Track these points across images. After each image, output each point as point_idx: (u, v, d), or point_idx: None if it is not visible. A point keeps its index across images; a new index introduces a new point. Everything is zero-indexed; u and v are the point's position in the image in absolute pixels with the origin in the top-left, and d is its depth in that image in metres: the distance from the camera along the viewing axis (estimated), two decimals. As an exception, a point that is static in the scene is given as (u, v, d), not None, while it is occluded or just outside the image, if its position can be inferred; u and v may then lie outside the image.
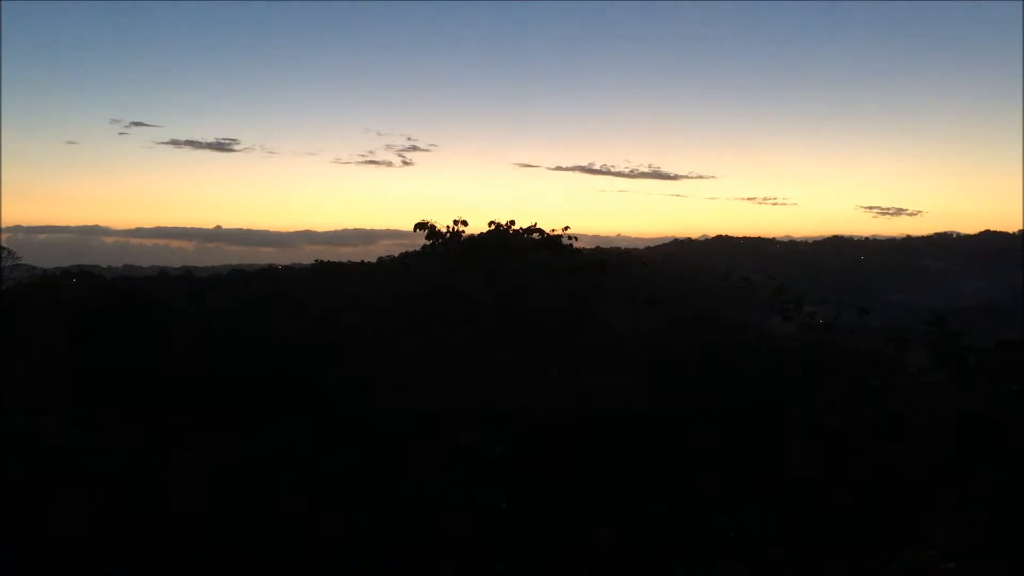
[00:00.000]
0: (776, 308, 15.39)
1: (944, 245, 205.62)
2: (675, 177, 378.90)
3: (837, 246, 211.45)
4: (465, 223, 19.65)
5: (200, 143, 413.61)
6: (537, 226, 19.99)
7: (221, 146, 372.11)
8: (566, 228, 19.83)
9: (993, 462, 9.03)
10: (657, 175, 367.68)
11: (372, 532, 9.33)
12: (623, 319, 20.56)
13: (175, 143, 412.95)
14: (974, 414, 11.19)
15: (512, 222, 19.96)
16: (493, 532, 8.41)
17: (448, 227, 19.51)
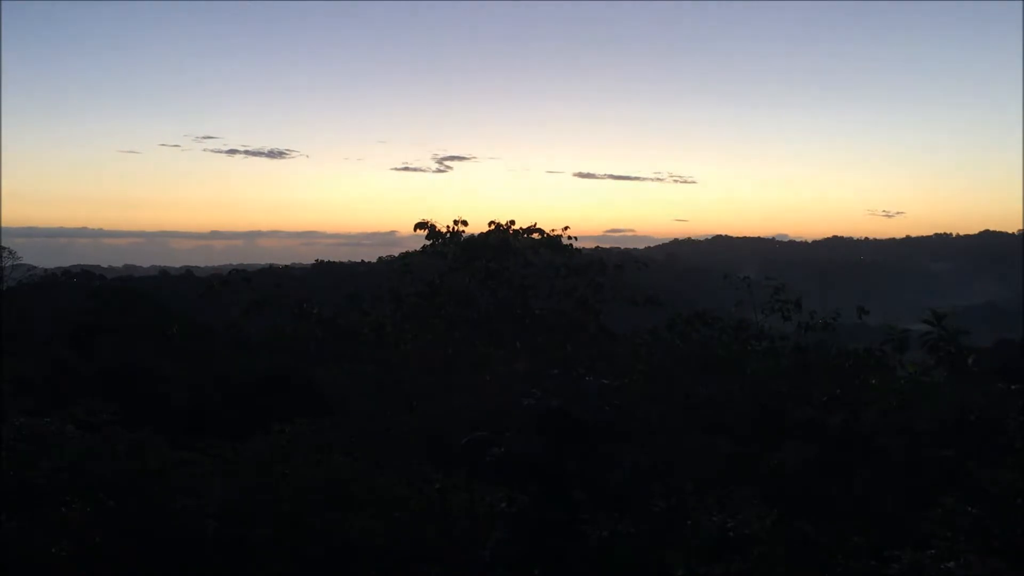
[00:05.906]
0: (776, 308, 15.41)
1: (944, 245, 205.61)
2: (678, 180, 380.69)
3: (837, 246, 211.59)
4: (465, 223, 19.65)
5: (257, 152, 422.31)
6: (537, 226, 19.97)
7: (273, 154, 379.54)
8: (566, 228, 19.80)
9: (992, 462, 9.04)
10: (664, 177, 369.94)
11: (371, 533, 9.36)
12: (623, 319, 20.59)
13: (232, 152, 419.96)
14: (973, 414, 11.21)
15: (512, 222, 19.94)
16: (493, 533, 8.43)
17: (448, 227, 19.51)
